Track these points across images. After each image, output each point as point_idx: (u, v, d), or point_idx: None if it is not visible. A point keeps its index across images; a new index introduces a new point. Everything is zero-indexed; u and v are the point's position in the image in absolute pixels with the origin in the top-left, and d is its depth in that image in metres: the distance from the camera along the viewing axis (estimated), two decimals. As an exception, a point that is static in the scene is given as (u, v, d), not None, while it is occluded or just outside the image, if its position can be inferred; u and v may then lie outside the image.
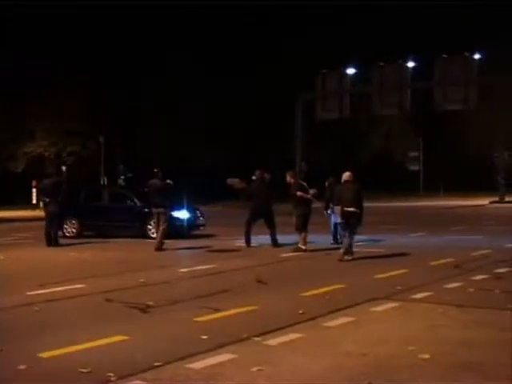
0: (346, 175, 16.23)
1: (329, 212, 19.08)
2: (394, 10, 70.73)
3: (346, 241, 15.87)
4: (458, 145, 70.43)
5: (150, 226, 21.49)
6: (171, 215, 20.44)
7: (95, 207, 23.36)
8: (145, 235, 21.57)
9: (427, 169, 73.50)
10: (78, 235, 22.67)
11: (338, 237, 18.55)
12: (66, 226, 22.90)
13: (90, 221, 23.13)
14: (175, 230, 20.93)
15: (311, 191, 18.20)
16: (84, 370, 6.68)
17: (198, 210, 23.53)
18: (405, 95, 40.09)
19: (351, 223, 15.82)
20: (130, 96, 57.84)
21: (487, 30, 57.44)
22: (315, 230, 19.90)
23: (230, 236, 21.92)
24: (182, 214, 22.19)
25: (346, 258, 15.58)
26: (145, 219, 21.66)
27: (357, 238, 16.67)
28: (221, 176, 24.84)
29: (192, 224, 22.64)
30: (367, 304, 10.04)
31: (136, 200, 22.56)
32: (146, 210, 21.02)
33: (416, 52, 41.53)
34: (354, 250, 16.01)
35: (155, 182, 19.09)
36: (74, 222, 22.99)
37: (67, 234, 22.76)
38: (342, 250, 15.85)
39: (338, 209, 16.29)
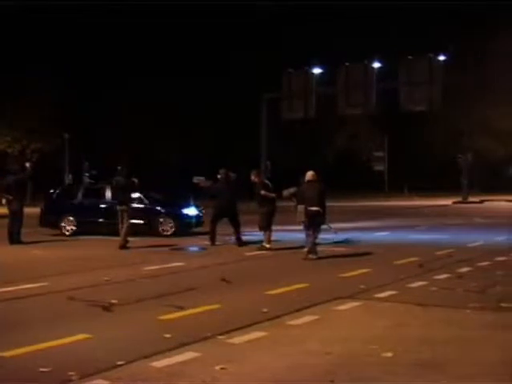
0: (308, 175, 16.22)
1: None
2: (361, 11, 71.07)
3: (309, 240, 15.87)
4: (423, 145, 71.04)
5: (161, 219, 22.22)
6: (182, 212, 21.73)
7: (95, 205, 22.91)
8: (150, 233, 21.86)
9: (392, 169, 74.07)
10: (77, 233, 22.32)
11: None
12: (63, 224, 22.64)
13: (90, 219, 22.64)
14: (185, 227, 21.89)
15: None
16: (44, 370, 6.61)
17: (199, 207, 23.77)
18: (370, 95, 40.41)
19: (315, 222, 15.85)
20: (96, 95, 57.57)
21: (452, 31, 57.93)
22: (285, 229, 19.99)
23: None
24: (191, 211, 22.53)
25: (311, 256, 15.61)
26: (151, 216, 22.09)
27: (321, 236, 16.70)
28: (189, 175, 24.93)
29: (199, 221, 22.86)
30: (331, 303, 10.06)
31: (142, 197, 22.61)
32: (156, 207, 22.33)
33: (382, 53, 41.75)
34: (319, 249, 16.06)
35: (119, 179, 18.98)
36: (71, 219, 22.70)
37: (65, 233, 22.49)
38: (306, 249, 15.88)
39: (301, 208, 16.17)
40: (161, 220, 22.25)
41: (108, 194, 22.55)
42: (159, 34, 62.77)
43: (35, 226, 23.13)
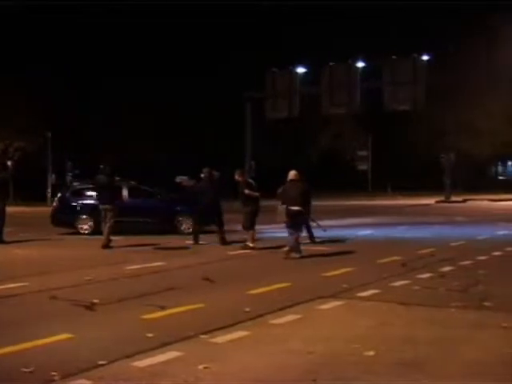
0: (291, 174, 16.18)
1: None
2: (345, 11, 71.07)
3: (291, 239, 15.83)
4: (407, 145, 71.20)
5: (180, 218, 22.32)
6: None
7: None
8: (173, 231, 21.98)
9: (376, 168, 74.19)
10: (94, 233, 21.93)
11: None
12: (79, 224, 22.47)
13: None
14: (203, 224, 21.57)
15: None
16: (26, 370, 6.57)
17: None
18: (354, 95, 40.50)
19: (297, 222, 15.83)
20: (81, 94, 57.38)
21: (436, 32, 58.02)
22: (270, 228, 19.97)
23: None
24: None
25: (293, 255, 15.59)
26: (169, 215, 22.23)
27: (304, 235, 16.69)
28: (174, 174, 24.98)
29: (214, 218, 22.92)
30: (314, 302, 10.07)
31: (160, 196, 22.93)
32: (175, 206, 22.48)
33: (367, 53, 41.82)
34: (302, 247, 16.05)
35: (101, 177, 18.89)
36: (86, 217, 22.48)
37: (82, 232, 22.36)
38: (287, 248, 15.87)
39: (281, 208, 15.92)
40: (180, 218, 22.37)
41: (125, 192, 22.46)
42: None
43: (17, 225, 23.00)
